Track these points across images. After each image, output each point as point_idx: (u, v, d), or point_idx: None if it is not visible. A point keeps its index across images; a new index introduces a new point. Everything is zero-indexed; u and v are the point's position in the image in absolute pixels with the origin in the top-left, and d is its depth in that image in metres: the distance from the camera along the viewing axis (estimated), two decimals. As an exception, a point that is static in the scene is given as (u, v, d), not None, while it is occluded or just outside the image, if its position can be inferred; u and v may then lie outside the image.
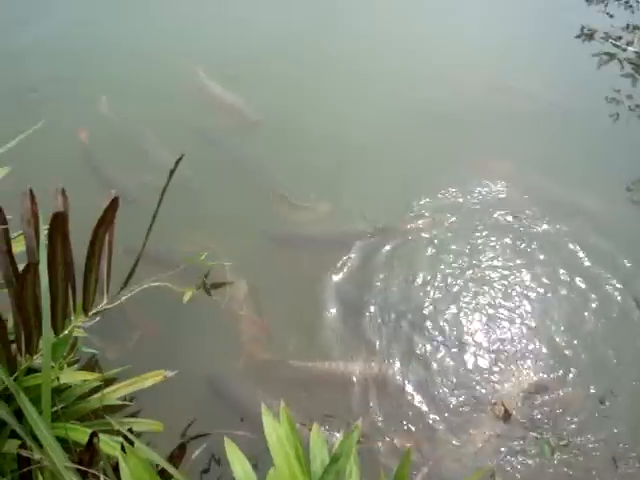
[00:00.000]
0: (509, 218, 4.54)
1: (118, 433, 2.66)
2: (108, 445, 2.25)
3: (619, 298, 4.00)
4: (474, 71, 5.80)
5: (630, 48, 6.27)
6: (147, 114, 5.29)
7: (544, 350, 3.76)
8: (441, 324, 3.88)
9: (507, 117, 5.37)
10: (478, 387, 3.57)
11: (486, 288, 4.08)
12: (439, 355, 3.73)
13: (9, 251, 2.04)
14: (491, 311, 3.95)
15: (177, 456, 1.95)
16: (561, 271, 4.18)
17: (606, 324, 3.87)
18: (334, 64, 5.84)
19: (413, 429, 3.34)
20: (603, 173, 4.92)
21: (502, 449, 3.29)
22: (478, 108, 5.43)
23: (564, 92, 5.67)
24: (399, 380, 3.58)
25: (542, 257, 4.28)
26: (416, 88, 5.53)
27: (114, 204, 1.99)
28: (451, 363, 3.68)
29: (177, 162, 2.13)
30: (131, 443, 1.96)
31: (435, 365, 3.67)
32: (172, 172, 2.13)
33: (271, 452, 1.97)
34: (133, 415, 3.23)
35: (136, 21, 6.42)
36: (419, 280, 4.13)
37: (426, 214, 4.56)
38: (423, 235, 4.42)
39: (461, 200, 4.67)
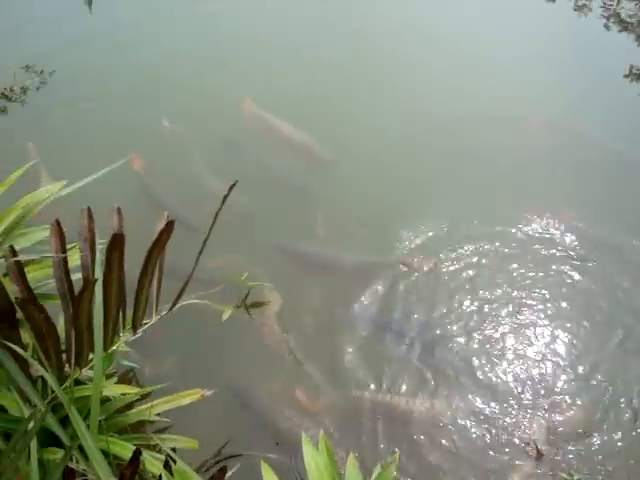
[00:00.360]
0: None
1: (154, 448, 2.72)
2: (150, 462, 2.29)
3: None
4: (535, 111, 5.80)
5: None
6: (201, 138, 5.36)
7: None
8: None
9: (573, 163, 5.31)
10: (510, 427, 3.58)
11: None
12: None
13: (65, 266, 2.12)
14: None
15: (217, 478, 1.98)
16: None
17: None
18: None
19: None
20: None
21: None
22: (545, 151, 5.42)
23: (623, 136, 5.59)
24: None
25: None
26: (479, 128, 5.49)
27: (169, 227, 2.06)
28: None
29: (230, 188, 2.18)
30: (173, 461, 2.01)
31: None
32: (225, 198, 2.19)
33: (309, 480, 1.99)
34: (163, 430, 3.28)
35: (194, 59, 6.36)
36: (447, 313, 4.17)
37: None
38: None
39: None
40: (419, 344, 3.94)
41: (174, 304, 2.30)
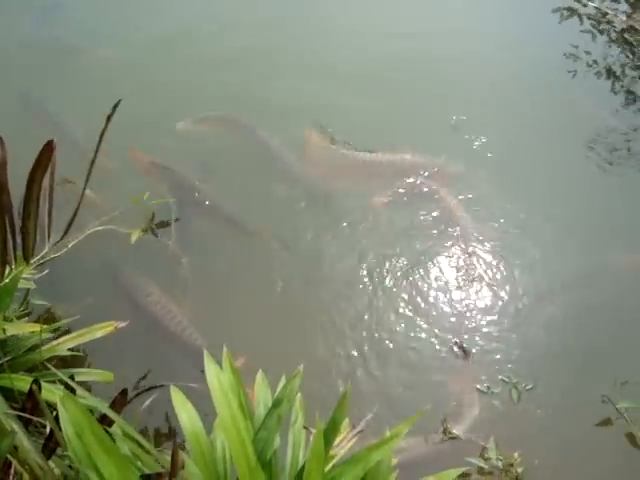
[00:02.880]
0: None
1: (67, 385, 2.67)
2: (51, 393, 2.24)
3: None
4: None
5: (590, 3, 6.27)
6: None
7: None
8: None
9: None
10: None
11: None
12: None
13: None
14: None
15: (119, 402, 1.94)
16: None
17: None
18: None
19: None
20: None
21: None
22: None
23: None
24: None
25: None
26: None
27: (49, 147, 1.95)
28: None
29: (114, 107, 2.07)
30: (73, 392, 1.95)
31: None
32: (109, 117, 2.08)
33: (213, 400, 1.97)
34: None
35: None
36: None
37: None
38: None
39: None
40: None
41: (66, 231, 2.21)
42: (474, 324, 3.68)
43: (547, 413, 3.30)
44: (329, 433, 1.81)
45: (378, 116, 4.93)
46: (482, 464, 2.97)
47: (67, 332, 3.06)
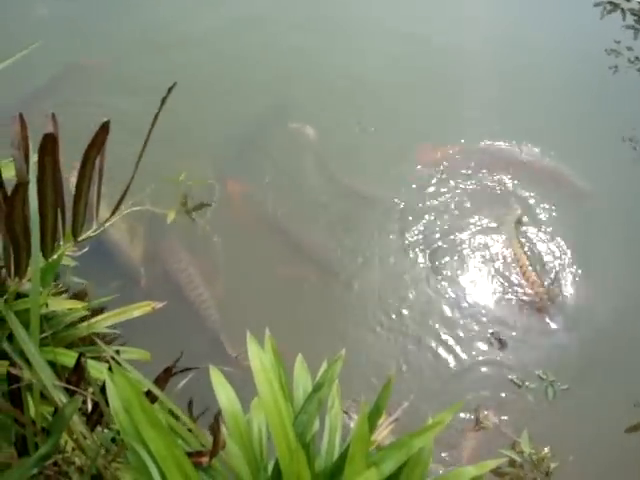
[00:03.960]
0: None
1: (107, 361, 2.72)
2: (95, 369, 2.28)
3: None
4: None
5: (635, -1, 6.17)
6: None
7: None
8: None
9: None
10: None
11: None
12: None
13: (-1, 175, 2.03)
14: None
15: (162, 379, 1.98)
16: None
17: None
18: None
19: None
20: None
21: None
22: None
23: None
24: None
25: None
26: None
27: (105, 128, 1.98)
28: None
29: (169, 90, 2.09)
30: (118, 364, 1.99)
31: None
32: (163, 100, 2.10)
33: (255, 380, 1.99)
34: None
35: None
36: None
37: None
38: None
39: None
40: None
41: (114, 211, 2.24)
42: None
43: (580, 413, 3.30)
44: (373, 417, 1.83)
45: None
46: (515, 456, 2.97)
47: (101, 310, 3.12)
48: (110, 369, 1.89)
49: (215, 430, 1.89)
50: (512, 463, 2.99)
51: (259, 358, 1.99)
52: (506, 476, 2.98)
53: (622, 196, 4.46)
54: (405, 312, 3.70)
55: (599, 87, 5.33)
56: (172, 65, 5.05)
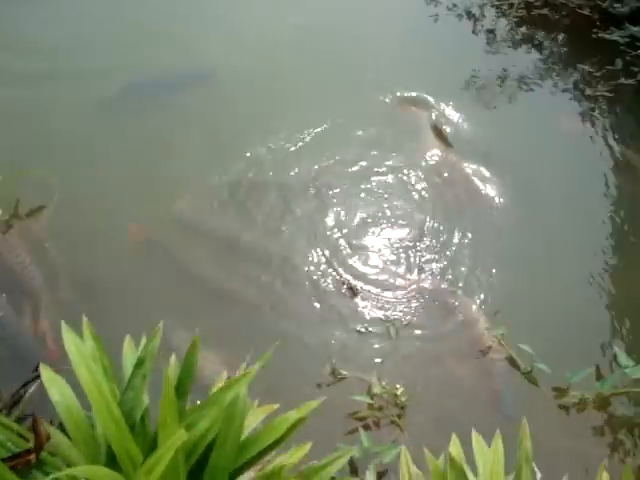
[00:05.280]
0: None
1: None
2: None
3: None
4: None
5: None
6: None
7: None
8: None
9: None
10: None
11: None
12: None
13: None
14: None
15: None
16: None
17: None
18: None
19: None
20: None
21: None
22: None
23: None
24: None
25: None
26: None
27: None
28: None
29: None
30: None
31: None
32: None
33: (75, 370, 1.96)
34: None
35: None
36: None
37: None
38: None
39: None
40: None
41: None
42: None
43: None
44: (183, 381, 1.86)
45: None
46: (368, 400, 3.09)
47: None
48: None
49: (35, 427, 1.87)
50: (371, 407, 3.11)
51: (74, 344, 1.97)
52: (367, 419, 3.11)
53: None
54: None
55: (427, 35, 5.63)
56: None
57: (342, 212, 4.13)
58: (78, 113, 4.63)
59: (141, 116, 4.66)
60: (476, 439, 2.21)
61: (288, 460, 2.15)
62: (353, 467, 2.88)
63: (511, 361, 3.40)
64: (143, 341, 2.08)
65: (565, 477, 2.16)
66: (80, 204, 4.04)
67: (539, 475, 2.39)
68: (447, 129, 4.71)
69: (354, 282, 3.70)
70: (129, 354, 2.22)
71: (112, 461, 1.92)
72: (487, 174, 4.43)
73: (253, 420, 2.12)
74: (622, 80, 5.21)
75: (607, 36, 5.51)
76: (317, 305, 3.65)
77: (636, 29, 5.42)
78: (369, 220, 4.12)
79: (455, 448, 2.13)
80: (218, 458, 1.75)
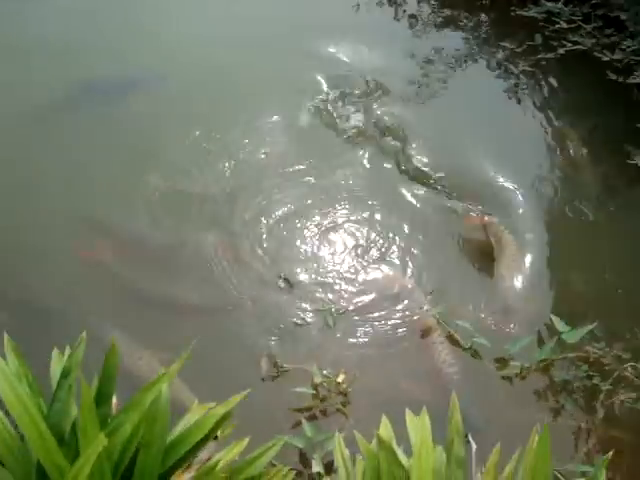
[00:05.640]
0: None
1: None
2: None
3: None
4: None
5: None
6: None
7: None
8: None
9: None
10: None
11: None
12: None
13: None
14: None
15: None
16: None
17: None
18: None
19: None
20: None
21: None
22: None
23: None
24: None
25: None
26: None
27: None
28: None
29: None
30: None
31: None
32: None
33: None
34: None
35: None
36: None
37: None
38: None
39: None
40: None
41: None
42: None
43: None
44: (104, 386, 1.86)
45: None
46: (311, 391, 3.12)
47: None
48: None
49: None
50: (315, 396, 3.14)
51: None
52: (312, 410, 3.13)
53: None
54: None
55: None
56: None
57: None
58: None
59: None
60: (409, 416, 2.27)
61: (225, 457, 2.17)
62: (304, 460, 2.91)
63: (450, 339, 3.47)
64: (67, 351, 2.07)
65: (497, 445, 2.20)
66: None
67: (474, 447, 2.43)
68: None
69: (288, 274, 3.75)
70: (57, 367, 2.21)
71: (43, 476, 1.91)
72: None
73: (192, 419, 2.13)
74: (543, 55, 5.35)
75: (525, 13, 5.67)
76: (254, 300, 3.68)
77: (551, 4, 5.58)
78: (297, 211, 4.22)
79: (385, 429, 2.18)
80: (145, 460, 1.76)
